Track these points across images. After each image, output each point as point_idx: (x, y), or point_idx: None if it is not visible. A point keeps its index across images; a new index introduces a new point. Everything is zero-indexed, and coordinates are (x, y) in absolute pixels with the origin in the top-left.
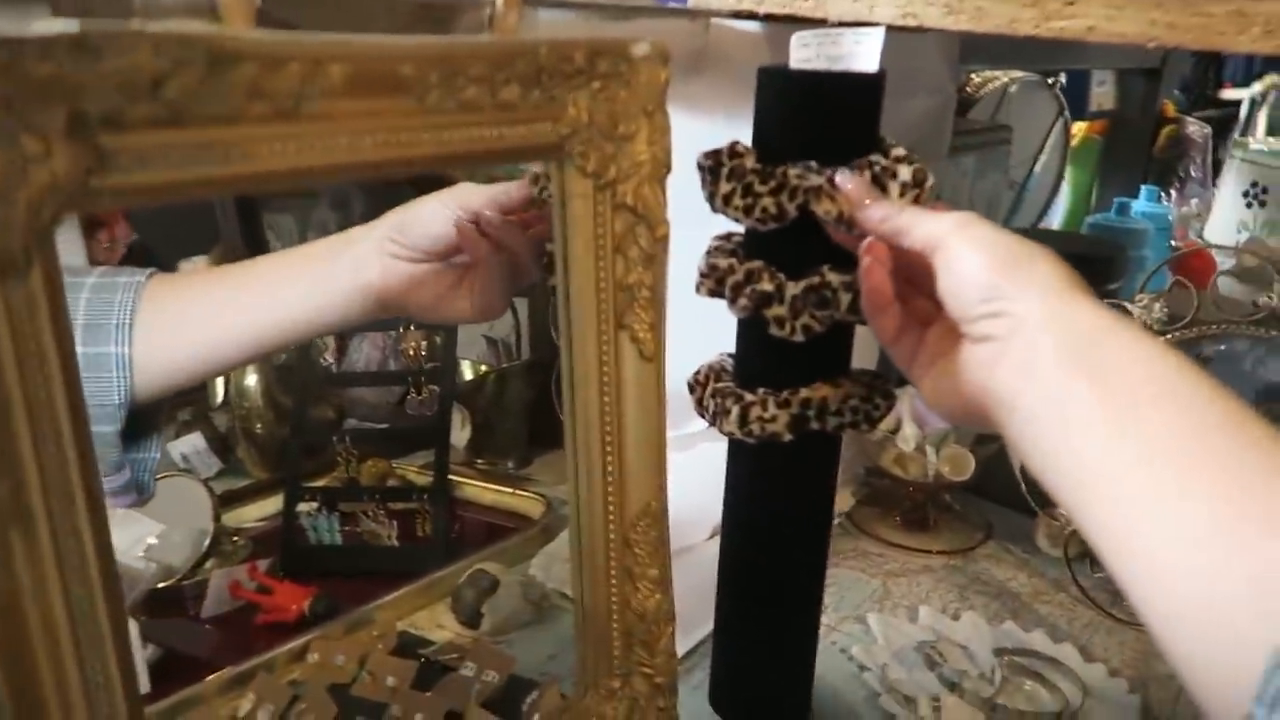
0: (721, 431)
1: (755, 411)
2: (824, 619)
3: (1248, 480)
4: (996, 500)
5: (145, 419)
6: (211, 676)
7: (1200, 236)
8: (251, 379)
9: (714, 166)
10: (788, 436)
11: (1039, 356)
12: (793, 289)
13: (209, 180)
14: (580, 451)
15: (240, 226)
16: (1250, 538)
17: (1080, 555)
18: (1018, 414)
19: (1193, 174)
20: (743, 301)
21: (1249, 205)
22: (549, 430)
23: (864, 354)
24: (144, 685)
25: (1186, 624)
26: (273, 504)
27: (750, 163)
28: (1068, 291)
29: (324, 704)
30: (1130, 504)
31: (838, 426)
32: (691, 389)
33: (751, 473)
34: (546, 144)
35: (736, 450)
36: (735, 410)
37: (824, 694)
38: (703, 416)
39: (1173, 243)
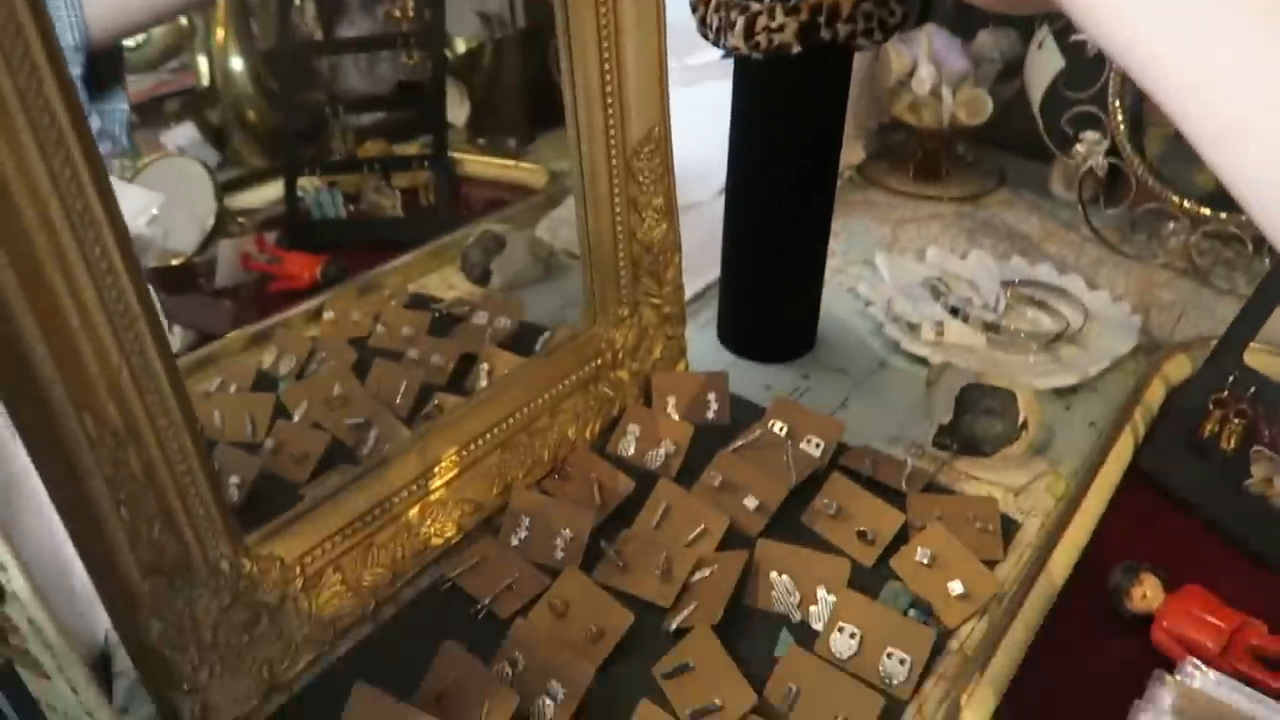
0: (726, 49)
1: (762, 21)
2: (831, 263)
3: None
4: (1011, 149)
5: (106, 68)
6: (233, 333)
7: None
8: (238, 63)
9: None
10: (796, 48)
11: None
12: None
13: None
14: (578, 75)
15: None
16: None
17: (1094, 197)
18: None
19: None
20: None
21: None
22: (550, 108)
23: None
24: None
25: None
26: (274, 189)
27: None
28: None
29: (343, 351)
30: (1209, 50)
31: (849, 36)
32: (694, 8)
33: (759, 95)
34: None
35: (742, 73)
36: (740, 21)
37: (829, 327)
38: (706, 37)
39: None
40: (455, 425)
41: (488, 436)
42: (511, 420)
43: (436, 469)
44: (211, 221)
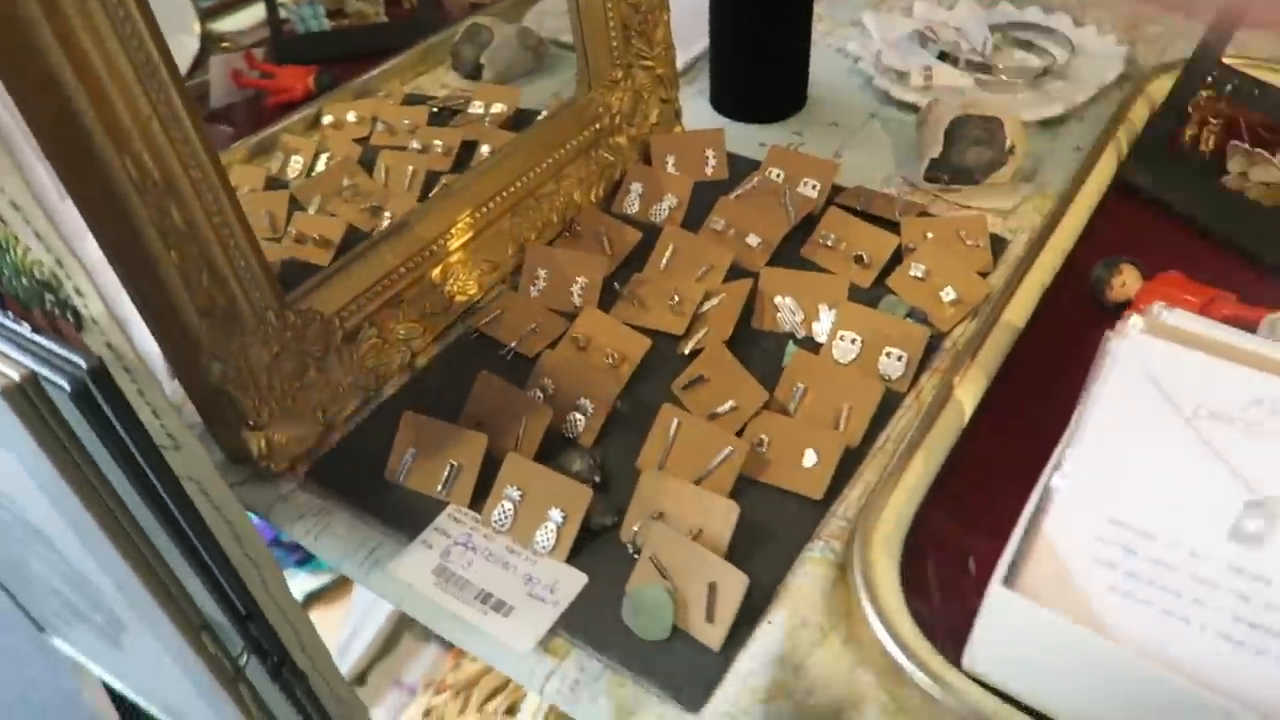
0: None
1: None
2: (819, 27)
3: None
4: None
5: None
6: (236, 144)
7: None
8: None
9: None
10: None
11: None
12: None
13: None
14: None
15: None
16: None
17: None
18: None
19: None
20: None
21: None
22: None
23: None
24: None
25: None
26: (253, 12)
27: None
28: None
29: (348, 149)
30: None
31: None
32: None
33: None
34: None
35: None
36: None
37: (820, 86)
38: None
39: None
40: (464, 192)
41: (496, 201)
42: (517, 185)
43: (451, 231)
44: (196, 46)
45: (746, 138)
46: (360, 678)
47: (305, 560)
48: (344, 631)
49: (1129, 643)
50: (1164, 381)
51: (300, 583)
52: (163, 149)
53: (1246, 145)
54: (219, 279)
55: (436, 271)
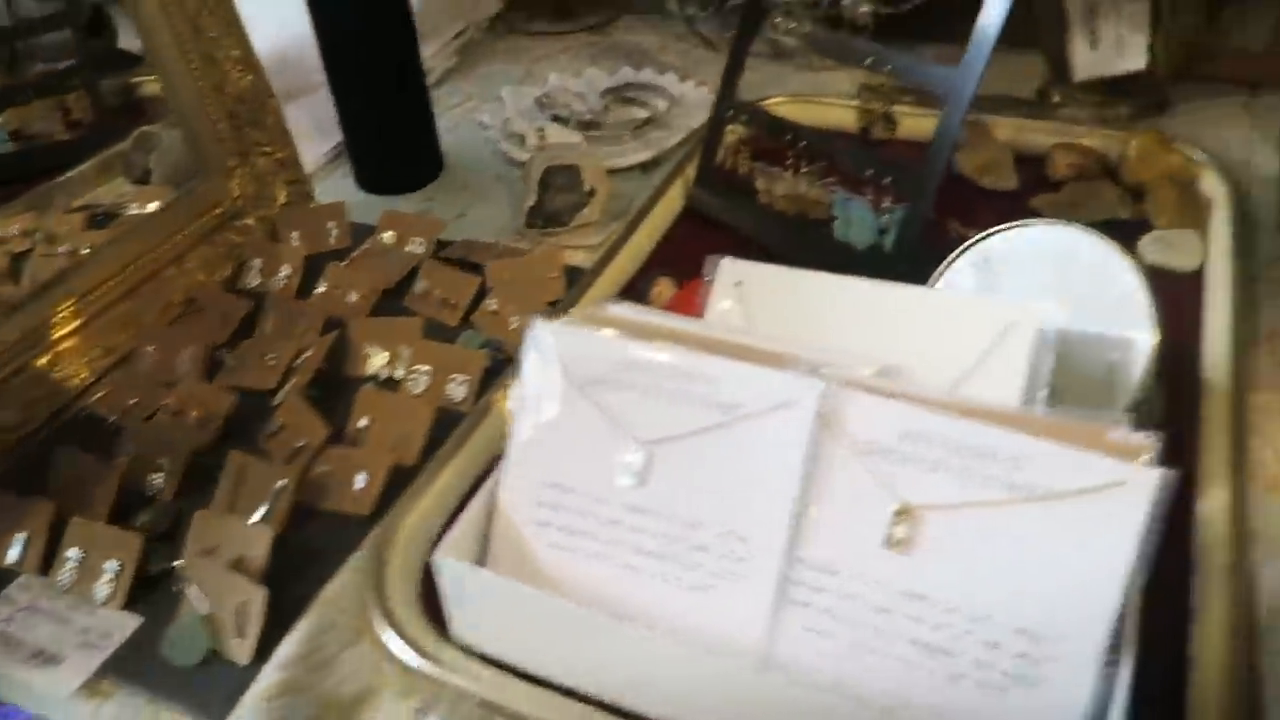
0: None
1: None
2: (467, 104)
3: None
4: None
5: None
6: None
7: None
8: None
9: None
10: None
11: None
12: None
13: None
14: None
15: None
16: None
17: (703, 4)
18: None
19: None
20: None
21: None
22: None
23: None
24: None
25: None
26: None
27: None
28: None
29: (1, 261)
30: None
31: None
32: None
33: None
34: None
35: None
36: None
37: (457, 156)
38: None
39: None
40: (67, 283)
41: (105, 288)
42: (127, 272)
43: (55, 321)
44: None
45: (385, 207)
46: None
47: None
48: None
49: (571, 588)
50: (564, 358)
51: None
52: None
53: (764, 167)
54: None
55: (44, 360)
